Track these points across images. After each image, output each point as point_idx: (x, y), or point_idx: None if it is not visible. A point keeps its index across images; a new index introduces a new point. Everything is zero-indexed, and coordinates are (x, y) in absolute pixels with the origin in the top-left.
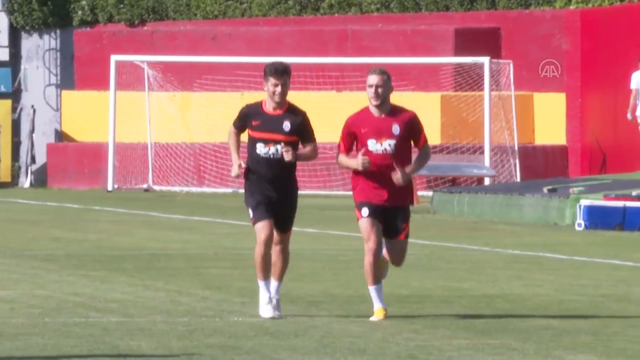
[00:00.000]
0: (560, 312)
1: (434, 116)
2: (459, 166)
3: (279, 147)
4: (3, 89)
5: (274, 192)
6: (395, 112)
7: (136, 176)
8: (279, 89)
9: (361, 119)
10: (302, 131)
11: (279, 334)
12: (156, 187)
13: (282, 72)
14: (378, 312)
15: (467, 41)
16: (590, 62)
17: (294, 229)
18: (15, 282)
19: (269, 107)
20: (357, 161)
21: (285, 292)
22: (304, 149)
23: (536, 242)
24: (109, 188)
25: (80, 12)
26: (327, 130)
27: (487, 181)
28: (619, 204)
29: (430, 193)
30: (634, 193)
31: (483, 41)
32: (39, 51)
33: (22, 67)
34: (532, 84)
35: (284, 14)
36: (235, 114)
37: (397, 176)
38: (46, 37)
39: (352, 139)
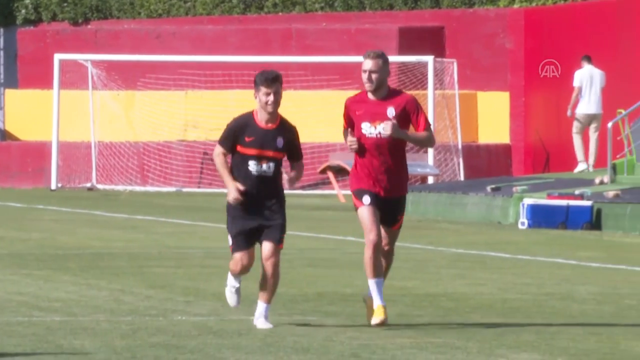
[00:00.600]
0: (503, 311)
1: None
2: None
3: (271, 164)
4: None
5: (262, 209)
6: (392, 95)
7: (80, 175)
8: (271, 97)
9: (357, 102)
10: (292, 148)
11: (222, 333)
12: (100, 186)
13: (273, 80)
14: (378, 310)
15: (411, 40)
16: (534, 61)
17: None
18: None
19: (262, 120)
20: (348, 140)
21: None
22: (294, 172)
23: (479, 241)
24: (53, 187)
25: (23, 11)
26: None
27: (430, 180)
28: (562, 202)
29: None
30: (577, 192)
31: (427, 40)
32: None
33: None
34: (476, 83)
35: (228, 13)
36: (179, 113)
37: (387, 125)
38: None
39: (349, 120)
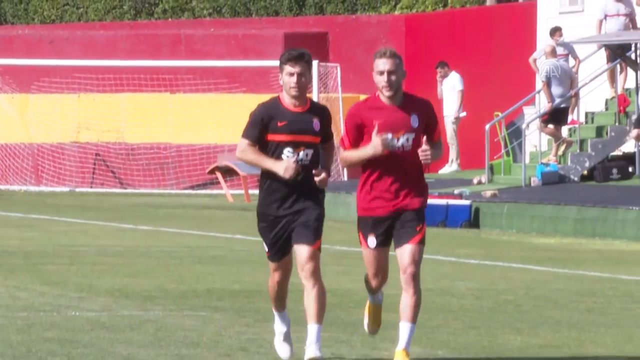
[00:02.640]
0: (386, 306)
1: None
2: None
3: (308, 151)
4: None
5: (297, 206)
6: (410, 100)
7: None
8: (294, 78)
9: (371, 108)
10: (326, 129)
11: (114, 328)
12: None
13: (298, 58)
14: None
15: (296, 45)
16: (413, 65)
17: (129, 226)
18: None
19: (290, 104)
20: (373, 144)
21: (121, 287)
22: (324, 172)
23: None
24: None
25: None
26: (161, 130)
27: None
28: (442, 201)
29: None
30: (456, 191)
31: (311, 45)
32: None
33: None
34: (359, 86)
35: (119, 19)
36: (72, 115)
37: (426, 152)
38: None
39: (359, 132)
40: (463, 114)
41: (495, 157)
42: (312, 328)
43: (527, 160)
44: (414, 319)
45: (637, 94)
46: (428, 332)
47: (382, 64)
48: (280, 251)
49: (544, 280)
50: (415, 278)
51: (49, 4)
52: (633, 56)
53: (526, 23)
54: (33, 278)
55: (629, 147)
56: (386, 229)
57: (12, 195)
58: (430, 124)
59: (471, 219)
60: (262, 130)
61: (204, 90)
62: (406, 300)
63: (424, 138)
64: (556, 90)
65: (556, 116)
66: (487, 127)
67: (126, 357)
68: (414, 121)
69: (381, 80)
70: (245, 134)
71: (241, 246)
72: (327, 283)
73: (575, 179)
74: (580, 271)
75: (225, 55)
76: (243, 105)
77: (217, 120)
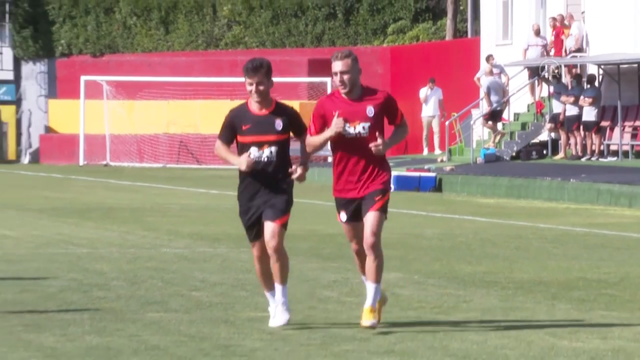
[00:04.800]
0: None
1: None
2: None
3: (272, 148)
4: (9, 98)
5: (266, 195)
6: (368, 93)
7: (98, 156)
8: (253, 87)
9: (332, 101)
10: (294, 125)
11: (193, 259)
12: (112, 163)
13: (254, 70)
14: (369, 313)
15: (316, 67)
16: (396, 81)
17: (203, 190)
18: (18, 226)
19: (255, 108)
20: (331, 126)
21: (197, 232)
22: (301, 167)
23: None
24: (80, 163)
25: (60, 47)
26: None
27: (329, 159)
28: (416, 174)
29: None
30: (426, 166)
31: (327, 68)
32: (33, 73)
33: (22, 84)
34: None
35: (195, 49)
36: (163, 115)
37: (378, 146)
38: (38, 64)
39: (323, 120)
40: (455, 115)
41: (452, 144)
42: (278, 288)
43: (474, 145)
44: (377, 280)
45: (549, 100)
46: (406, 263)
47: (336, 65)
48: (254, 232)
49: (485, 228)
50: (374, 246)
51: (147, 39)
52: (546, 75)
53: (473, 52)
54: (137, 226)
55: (543, 137)
56: (355, 207)
57: (123, 170)
58: (389, 111)
59: (436, 185)
60: (231, 132)
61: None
62: (369, 264)
63: (382, 128)
64: (493, 97)
65: (494, 116)
66: (447, 123)
67: (201, 280)
68: (369, 111)
69: (336, 80)
70: (220, 136)
71: None
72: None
73: (507, 158)
74: (510, 221)
75: (274, 74)
76: None
77: None
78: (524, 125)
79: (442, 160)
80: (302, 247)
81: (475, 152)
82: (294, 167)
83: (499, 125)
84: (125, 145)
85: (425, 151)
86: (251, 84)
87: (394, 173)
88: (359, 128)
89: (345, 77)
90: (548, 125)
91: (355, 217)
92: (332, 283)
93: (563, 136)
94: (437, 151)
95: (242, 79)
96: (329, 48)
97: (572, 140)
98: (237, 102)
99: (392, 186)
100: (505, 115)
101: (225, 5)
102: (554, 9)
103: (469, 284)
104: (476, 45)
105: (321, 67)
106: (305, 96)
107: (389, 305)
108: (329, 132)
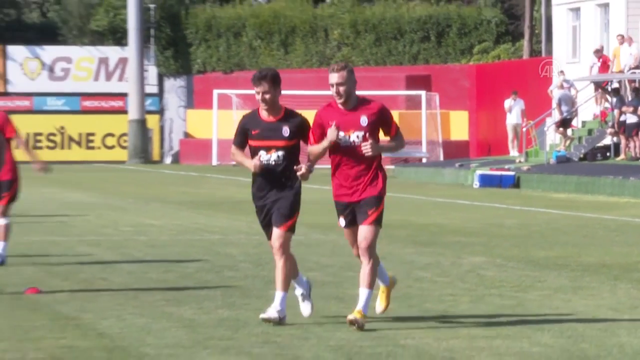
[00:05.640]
0: (465, 234)
1: None
2: (409, 151)
3: (280, 153)
4: (154, 109)
5: (274, 196)
6: (363, 104)
7: (228, 157)
8: (259, 96)
9: (329, 112)
10: (302, 133)
11: (307, 244)
12: None
13: (259, 79)
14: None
15: (412, 82)
16: (481, 94)
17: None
18: (162, 216)
19: (264, 115)
20: (327, 135)
21: (311, 222)
22: (304, 166)
23: (452, 195)
24: (213, 164)
25: (196, 66)
26: None
27: (424, 160)
28: (498, 173)
29: (393, 167)
30: (506, 166)
31: (421, 82)
32: (174, 87)
33: (165, 96)
34: (449, 106)
35: (309, 67)
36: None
37: (366, 146)
38: (178, 79)
39: (321, 130)
40: (531, 123)
41: (529, 147)
42: (278, 294)
43: (548, 148)
44: (370, 285)
45: (612, 110)
46: (490, 247)
47: (332, 77)
48: (268, 230)
49: (557, 219)
50: (365, 254)
51: (269, 58)
52: (609, 88)
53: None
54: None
55: (606, 141)
56: (351, 211)
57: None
58: (383, 122)
59: (515, 183)
60: (243, 137)
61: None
62: (362, 270)
63: (377, 135)
64: (564, 108)
65: (564, 123)
66: (524, 129)
67: (315, 262)
68: (363, 121)
69: (332, 91)
70: (234, 141)
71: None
72: (434, 219)
73: (576, 159)
74: (579, 213)
75: (371, 88)
76: None
77: None
78: (590, 131)
79: (520, 161)
80: (400, 235)
81: (548, 154)
82: (300, 165)
83: (569, 131)
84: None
85: (512, 153)
86: (258, 93)
87: (479, 172)
88: (353, 137)
89: (341, 88)
90: (610, 131)
91: (354, 222)
92: (425, 265)
93: (623, 140)
94: (517, 153)
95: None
96: (423, 66)
97: (631, 144)
98: None
99: (477, 183)
100: (574, 122)
101: (335, 29)
102: (616, 32)
103: (543, 266)
104: (549, 63)
105: (416, 82)
106: (403, 107)
107: (474, 283)
108: (325, 142)
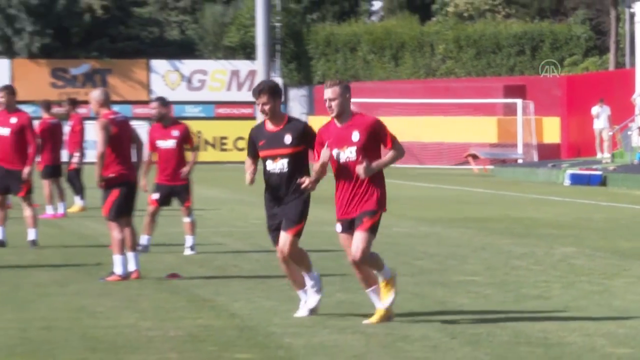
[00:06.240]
0: (558, 226)
1: (493, 129)
2: (506, 153)
3: (284, 160)
4: None
5: (283, 202)
6: (355, 120)
7: None
8: (259, 107)
9: (327, 129)
10: (304, 139)
11: (416, 235)
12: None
13: (258, 92)
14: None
15: (509, 91)
16: (571, 101)
17: (420, 184)
18: None
19: (269, 125)
20: (321, 157)
21: (419, 216)
22: (306, 177)
23: (544, 192)
24: None
25: (317, 77)
26: (439, 135)
27: (520, 160)
28: (587, 172)
29: (492, 167)
30: (594, 167)
31: (518, 91)
32: (297, 96)
33: (289, 104)
34: (543, 113)
35: (416, 77)
36: (395, 128)
37: (360, 168)
38: (300, 89)
39: (322, 147)
40: (616, 127)
41: (615, 149)
42: (300, 294)
43: (631, 150)
44: (368, 285)
45: None
46: (579, 240)
47: (325, 93)
48: (275, 235)
49: None
50: (360, 262)
51: (382, 70)
52: None
53: (630, 79)
54: None
55: None
56: (349, 222)
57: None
58: (376, 136)
59: (602, 181)
60: (253, 148)
61: (458, 114)
62: (358, 275)
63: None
64: None
65: None
66: (611, 133)
67: (422, 252)
68: (355, 136)
69: (327, 105)
70: (247, 154)
71: (471, 193)
72: (530, 213)
73: None
74: None
75: (472, 96)
76: (473, 123)
77: (464, 129)
78: None
79: (606, 162)
80: (498, 228)
81: (632, 155)
82: (304, 178)
83: None
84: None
85: (599, 154)
86: (259, 105)
87: (570, 172)
88: (347, 153)
89: (333, 103)
90: None
91: (350, 228)
92: (521, 255)
93: None
94: (604, 154)
95: (454, 100)
96: (519, 77)
97: None
98: (450, 119)
99: (568, 181)
100: None
101: (440, 44)
102: None
103: (628, 256)
104: (632, 74)
105: (513, 91)
106: (501, 113)
107: (565, 271)
108: (320, 161)
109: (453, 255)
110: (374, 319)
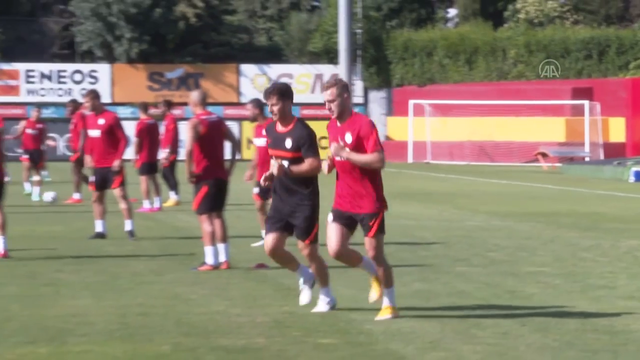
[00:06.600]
0: (614, 218)
1: (562, 129)
2: (574, 151)
3: (285, 163)
4: None
5: (285, 204)
6: (351, 121)
7: (422, 156)
8: (268, 108)
9: (331, 128)
10: (303, 146)
11: (489, 229)
12: (431, 162)
13: (268, 94)
14: (385, 310)
15: (577, 93)
16: (636, 103)
17: (493, 180)
18: None
19: (279, 126)
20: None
21: (492, 210)
22: (298, 165)
23: (610, 188)
24: (409, 162)
25: (395, 80)
26: (509, 134)
27: (587, 159)
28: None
29: (560, 164)
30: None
31: (585, 93)
32: (377, 98)
33: (369, 106)
34: (609, 113)
35: (488, 80)
36: (465, 128)
37: (335, 145)
38: (380, 92)
39: (330, 139)
40: None
41: None
42: (321, 291)
43: None
44: (387, 285)
45: None
46: (627, 230)
47: (324, 95)
48: (270, 226)
49: None
50: (374, 261)
51: (456, 74)
52: None
53: None
54: (449, 205)
55: None
56: (347, 218)
57: (438, 166)
58: (362, 139)
59: None
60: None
61: (528, 115)
62: (379, 274)
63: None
64: None
65: None
66: None
67: (494, 244)
68: (348, 137)
69: (327, 108)
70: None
71: (540, 190)
72: (577, 207)
73: None
74: None
75: (541, 98)
76: (542, 123)
77: (534, 129)
78: None
79: None
80: (567, 222)
81: None
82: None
83: None
84: (440, 149)
85: None
86: (268, 105)
87: (634, 169)
88: (342, 151)
89: (332, 104)
90: None
91: (339, 220)
92: (588, 247)
93: None
94: None
95: (525, 102)
96: (587, 79)
97: None
98: (520, 119)
99: (632, 178)
100: None
101: (512, 49)
102: None
103: None
104: None
105: (580, 93)
106: (569, 114)
107: (630, 263)
108: (326, 159)
109: (523, 248)
110: (383, 315)
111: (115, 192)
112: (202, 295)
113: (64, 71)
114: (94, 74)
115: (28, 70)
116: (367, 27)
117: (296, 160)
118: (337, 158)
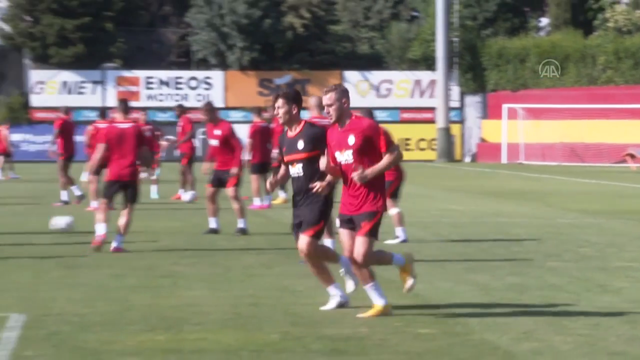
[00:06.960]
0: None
1: None
2: None
3: (299, 165)
4: (457, 119)
5: (303, 204)
6: (352, 124)
7: (515, 157)
8: (275, 111)
9: (331, 132)
10: (316, 144)
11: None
12: (524, 162)
13: (275, 97)
14: (376, 309)
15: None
16: None
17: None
18: (462, 203)
19: (290, 132)
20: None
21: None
22: (320, 183)
23: None
24: (503, 162)
25: (490, 85)
26: (600, 136)
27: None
28: None
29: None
30: None
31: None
32: (472, 103)
33: (465, 110)
34: None
35: (580, 86)
36: (558, 130)
37: (355, 175)
38: (475, 96)
39: (330, 150)
40: None
41: None
42: (330, 290)
43: None
44: (367, 280)
45: None
46: None
47: (323, 99)
48: (296, 232)
49: None
50: (361, 264)
51: (548, 79)
52: None
53: None
54: (541, 203)
55: None
56: (347, 219)
57: (525, 166)
58: (369, 140)
59: None
60: (282, 153)
61: (617, 118)
62: (357, 272)
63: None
64: None
65: None
66: None
67: (585, 240)
68: (350, 140)
69: (325, 112)
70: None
71: (629, 189)
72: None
73: None
74: None
75: (629, 102)
76: (631, 126)
77: (623, 131)
78: None
79: None
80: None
81: None
82: (316, 183)
83: None
84: (533, 150)
85: None
86: (275, 109)
87: None
88: (345, 156)
89: (330, 109)
90: None
91: (348, 226)
92: None
93: None
94: None
95: (614, 106)
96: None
97: None
98: (610, 122)
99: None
100: None
101: (601, 56)
102: None
103: None
104: None
105: (626, 97)
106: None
107: None
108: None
109: (613, 244)
110: (369, 313)
111: (228, 191)
112: (309, 287)
113: (181, 78)
114: (208, 80)
115: (148, 77)
116: (463, 35)
117: (309, 160)
118: (364, 181)
